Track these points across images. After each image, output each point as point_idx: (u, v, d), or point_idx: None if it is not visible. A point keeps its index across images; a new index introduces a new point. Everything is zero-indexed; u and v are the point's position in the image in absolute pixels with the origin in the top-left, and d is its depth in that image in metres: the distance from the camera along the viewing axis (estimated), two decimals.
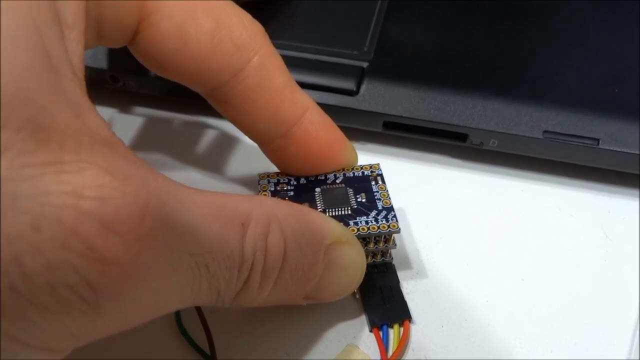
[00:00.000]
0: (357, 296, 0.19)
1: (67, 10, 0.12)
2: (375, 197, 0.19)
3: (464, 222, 0.22)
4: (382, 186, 0.19)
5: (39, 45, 0.11)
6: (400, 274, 0.20)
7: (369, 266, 0.19)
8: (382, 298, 0.19)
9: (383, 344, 0.18)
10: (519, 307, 0.19)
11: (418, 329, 0.18)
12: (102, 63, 0.24)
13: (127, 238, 0.10)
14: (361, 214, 0.18)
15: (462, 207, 0.22)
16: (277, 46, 0.24)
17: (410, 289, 0.19)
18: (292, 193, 0.19)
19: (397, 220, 0.18)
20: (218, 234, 0.13)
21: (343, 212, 0.18)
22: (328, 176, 0.19)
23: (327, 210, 0.18)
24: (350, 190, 0.19)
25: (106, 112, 0.25)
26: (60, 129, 0.10)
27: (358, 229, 0.18)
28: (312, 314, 0.19)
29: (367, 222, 0.18)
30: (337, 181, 0.19)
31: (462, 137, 0.22)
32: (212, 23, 0.15)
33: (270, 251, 0.14)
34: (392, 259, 0.19)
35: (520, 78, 0.23)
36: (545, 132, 0.22)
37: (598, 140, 0.21)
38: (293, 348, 0.18)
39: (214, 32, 0.15)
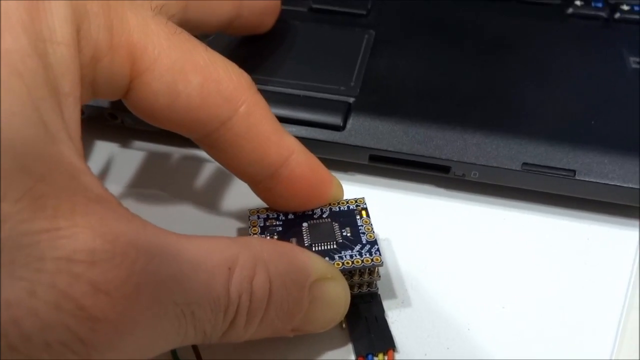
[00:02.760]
0: (344, 326, 0.20)
1: (64, 81, 0.13)
2: (360, 231, 0.20)
3: (447, 251, 0.22)
4: (367, 220, 0.20)
5: (36, 119, 0.12)
6: (386, 304, 0.20)
7: (355, 297, 0.20)
8: (367, 327, 0.20)
9: None
10: (500, 335, 0.20)
11: (402, 357, 0.19)
12: (101, 102, 0.25)
13: (115, 296, 0.12)
14: (346, 248, 0.19)
15: (446, 236, 0.23)
16: (266, 82, 0.25)
17: (395, 318, 0.20)
18: (280, 228, 0.20)
19: (380, 254, 0.19)
20: (205, 280, 0.14)
21: (329, 247, 0.19)
22: (315, 211, 0.20)
23: (313, 245, 0.19)
24: (336, 224, 0.20)
25: (106, 147, 0.26)
26: (56, 194, 0.11)
27: (343, 263, 0.18)
28: (300, 343, 0.19)
29: (351, 256, 0.19)
30: (324, 216, 0.20)
31: (445, 169, 0.23)
32: (201, 78, 0.16)
33: (256, 292, 0.15)
34: (377, 289, 0.20)
35: (499, 112, 0.24)
36: (524, 164, 0.23)
37: (574, 171, 0.22)
38: None
39: (202, 86, 0.16)
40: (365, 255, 0.19)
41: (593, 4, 0.30)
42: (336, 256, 0.19)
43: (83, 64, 0.14)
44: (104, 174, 0.25)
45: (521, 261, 0.22)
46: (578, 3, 0.30)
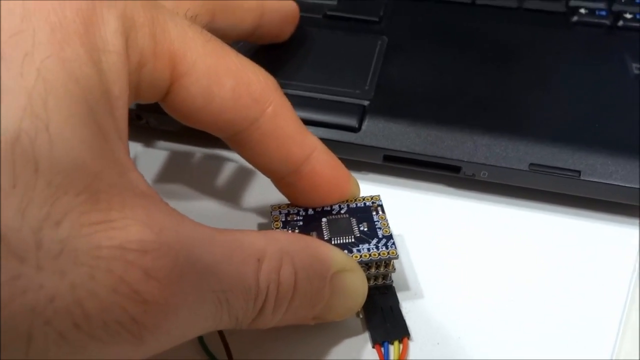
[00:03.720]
0: (361, 316, 0.21)
1: (114, 86, 0.14)
2: (376, 226, 0.21)
3: (457, 246, 0.24)
4: (382, 216, 0.21)
5: (91, 120, 0.13)
6: (400, 295, 0.21)
7: (371, 288, 0.21)
8: (383, 317, 0.21)
9: (384, 359, 0.20)
10: (507, 326, 0.21)
11: (416, 346, 0.20)
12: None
13: (163, 282, 0.13)
14: (363, 241, 0.20)
15: (456, 232, 0.24)
16: (285, 86, 0.26)
17: (409, 309, 0.21)
18: (301, 223, 0.21)
19: (395, 248, 0.20)
20: (236, 270, 0.15)
21: (347, 240, 0.20)
22: (333, 207, 0.21)
23: (332, 239, 0.20)
24: (354, 219, 0.21)
25: (131, 146, 0.28)
26: (109, 190, 0.13)
27: (360, 256, 0.20)
28: (320, 332, 0.20)
29: (368, 250, 0.20)
30: (342, 212, 0.21)
31: (456, 169, 0.25)
32: (233, 81, 0.17)
33: (283, 283, 0.16)
34: (392, 281, 0.22)
35: (508, 115, 0.25)
36: (531, 164, 0.24)
37: (579, 172, 0.23)
38: None
39: (234, 89, 0.17)
40: (382, 248, 0.20)
41: (597, 12, 0.31)
42: (354, 249, 0.20)
43: (130, 69, 0.15)
44: None
45: (528, 257, 0.23)
46: (582, 11, 0.31)
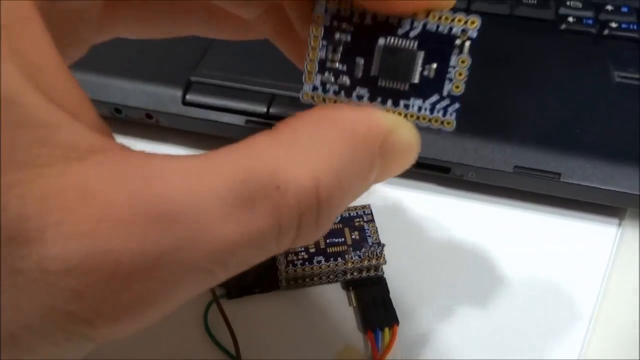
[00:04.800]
0: (354, 304, 0.23)
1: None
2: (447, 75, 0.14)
3: (445, 241, 0.25)
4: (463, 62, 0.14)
5: None
6: (390, 286, 0.23)
7: (363, 279, 0.23)
8: (374, 306, 0.23)
9: (376, 344, 0.22)
10: (485, 319, 0.23)
11: (404, 332, 0.22)
12: (139, 102, 0.28)
13: (100, 300, 0.11)
14: (419, 94, 0.14)
15: (445, 228, 0.26)
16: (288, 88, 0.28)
17: (399, 300, 0.23)
18: (349, 37, 0.14)
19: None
20: (237, 221, 0.11)
21: (397, 86, 0.14)
22: (403, 23, 0.14)
23: (380, 80, 0.14)
24: (421, 54, 0.14)
25: (142, 145, 0.29)
26: (24, 176, 0.10)
27: (407, 115, 0.14)
28: (316, 319, 0.22)
29: (420, 109, 0.14)
30: (411, 34, 0.14)
31: (446, 169, 0.26)
32: None
33: (321, 202, 0.12)
34: (383, 272, 0.23)
35: (495, 119, 0.27)
36: (515, 167, 0.26)
37: (559, 174, 0.25)
38: (301, 348, 0.22)
39: None
40: (437, 112, 0.15)
41: (584, 21, 0.32)
42: (401, 103, 0.14)
43: None
44: None
45: (510, 253, 0.25)
46: (570, 20, 0.32)
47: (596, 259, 0.25)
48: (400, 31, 0.14)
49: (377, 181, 0.14)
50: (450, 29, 0.14)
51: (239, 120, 0.28)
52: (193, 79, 0.28)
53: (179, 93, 0.28)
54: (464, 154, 0.26)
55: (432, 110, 0.14)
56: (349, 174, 0.13)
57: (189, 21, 0.18)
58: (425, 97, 0.14)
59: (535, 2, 0.33)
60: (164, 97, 0.28)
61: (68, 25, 0.15)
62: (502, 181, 0.26)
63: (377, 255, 0.23)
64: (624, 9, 0.33)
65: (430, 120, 0.15)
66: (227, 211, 0.11)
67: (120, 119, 0.29)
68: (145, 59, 0.30)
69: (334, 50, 0.14)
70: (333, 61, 0.15)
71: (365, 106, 0.14)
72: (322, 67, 0.15)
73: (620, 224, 0.26)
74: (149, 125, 0.29)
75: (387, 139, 0.14)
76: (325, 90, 0.15)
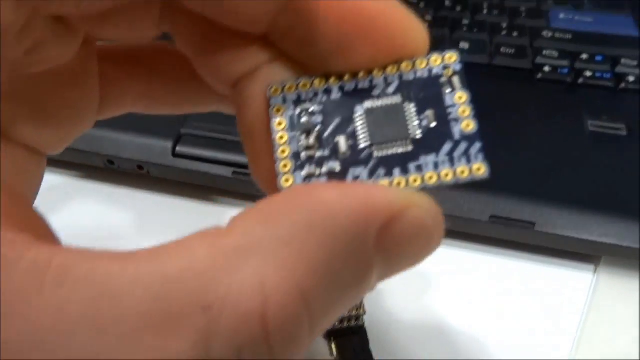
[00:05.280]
0: (335, 355, 0.24)
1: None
2: (450, 116, 0.12)
3: (423, 285, 0.26)
4: (461, 95, 0.12)
5: None
6: (370, 335, 0.24)
7: (344, 330, 0.24)
8: (355, 356, 0.23)
9: None
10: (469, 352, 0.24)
11: None
12: (130, 154, 0.30)
13: None
14: (428, 149, 0.12)
15: (421, 273, 0.27)
16: None
17: (379, 349, 0.24)
18: (319, 118, 0.12)
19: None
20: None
21: (399, 149, 0.12)
22: (376, 83, 0.12)
23: (374, 147, 0.12)
24: (411, 105, 0.12)
25: (133, 195, 0.31)
26: None
27: (423, 179, 0.12)
28: None
29: (436, 165, 0.12)
30: (389, 90, 0.12)
31: None
32: None
33: (286, 320, 0.09)
34: (364, 322, 0.24)
35: None
36: (491, 216, 0.27)
37: (534, 223, 0.26)
38: None
39: None
40: (460, 162, 0.12)
41: (560, 70, 0.34)
42: (411, 166, 0.12)
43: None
44: (130, 222, 0.29)
45: (486, 298, 0.26)
46: (547, 69, 0.34)
47: (572, 306, 0.26)
48: (375, 92, 0.12)
49: (382, 280, 0.12)
50: (430, 70, 0.12)
51: (226, 171, 0.29)
52: (183, 131, 0.30)
53: (169, 145, 0.29)
54: (441, 203, 0.27)
55: (452, 162, 0.12)
56: (323, 285, 0.10)
57: (206, 98, 0.16)
58: (437, 150, 0.12)
59: (513, 51, 0.35)
60: (155, 149, 0.29)
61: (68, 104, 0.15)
62: (478, 230, 0.27)
63: (356, 306, 0.24)
64: (598, 58, 0.34)
65: (455, 174, 0.12)
66: (138, 334, 0.09)
67: (113, 170, 0.30)
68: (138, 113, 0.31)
69: (307, 137, 0.12)
70: (309, 148, 0.12)
71: (360, 183, 0.11)
72: (300, 160, 0.12)
73: (595, 270, 0.27)
74: (141, 176, 0.30)
75: (389, 226, 0.11)
76: None
